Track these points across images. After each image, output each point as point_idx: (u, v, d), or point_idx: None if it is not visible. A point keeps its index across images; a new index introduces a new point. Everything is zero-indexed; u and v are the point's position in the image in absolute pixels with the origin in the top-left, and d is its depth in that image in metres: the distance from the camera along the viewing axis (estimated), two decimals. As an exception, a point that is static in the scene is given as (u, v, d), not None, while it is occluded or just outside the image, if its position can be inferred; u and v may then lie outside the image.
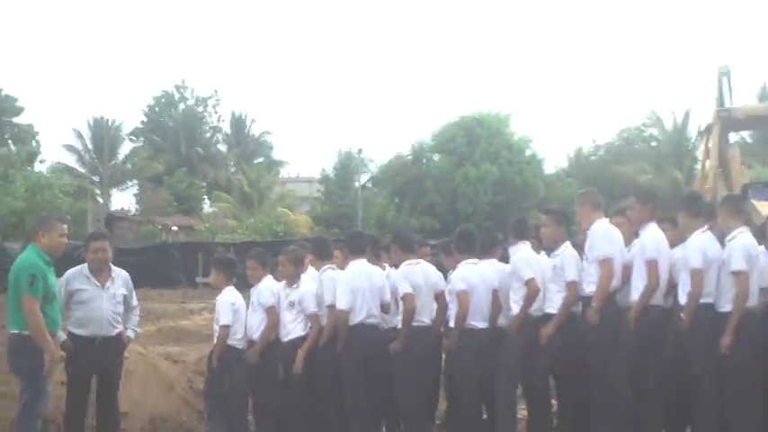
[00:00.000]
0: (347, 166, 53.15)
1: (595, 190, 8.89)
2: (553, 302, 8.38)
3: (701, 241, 7.90)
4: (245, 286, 9.32)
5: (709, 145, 15.02)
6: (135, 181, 58.81)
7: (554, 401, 8.75)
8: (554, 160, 50.09)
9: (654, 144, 48.94)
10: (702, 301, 7.72)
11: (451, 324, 8.67)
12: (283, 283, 9.15)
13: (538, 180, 42.75)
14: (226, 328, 9.01)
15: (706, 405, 7.72)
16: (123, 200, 60.82)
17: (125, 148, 61.18)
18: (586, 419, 8.23)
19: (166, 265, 31.47)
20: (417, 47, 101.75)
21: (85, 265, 8.45)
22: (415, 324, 8.53)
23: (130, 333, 8.70)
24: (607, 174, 41.44)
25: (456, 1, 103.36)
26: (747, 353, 7.58)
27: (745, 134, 39.28)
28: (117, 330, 8.46)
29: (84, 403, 8.35)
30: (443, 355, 9.15)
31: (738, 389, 7.58)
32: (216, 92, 66.31)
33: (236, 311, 9.11)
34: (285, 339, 8.93)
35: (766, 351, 7.66)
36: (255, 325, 9.06)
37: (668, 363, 8.02)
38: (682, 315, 7.85)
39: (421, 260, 8.92)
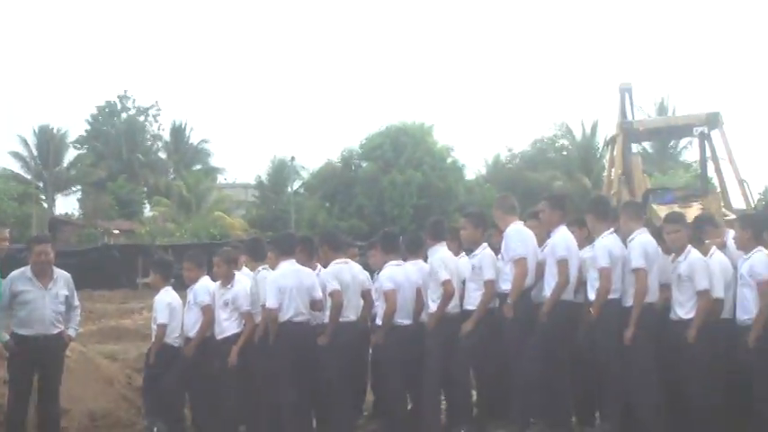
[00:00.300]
0: (280, 173, 52.92)
1: (511, 195, 8.95)
2: (472, 300, 8.40)
3: (607, 242, 7.99)
4: (183, 286, 9.17)
5: (614, 154, 15.23)
6: (78, 186, 57.70)
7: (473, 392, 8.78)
8: (474, 167, 50.62)
9: (565, 153, 49.64)
10: (610, 296, 7.81)
11: (378, 321, 8.65)
12: (218, 282, 9.03)
13: (459, 185, 43.15)
14: (163, 326, 8.87)
15: (612, 392, 7.82)
16: (67, 205, 59.32)
17: (69, 155, 60.00)
18: (505, 408, 8.28)
19: (108, 267, 30.92)
20: (345, 59, 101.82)
21: (29, 267, 8.23)
22: (341, 320, 8.49)
23: (71, 332, 8.49)
24: (522, 180, 41.92)
25: (381, 15, 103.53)
26: (647, 344, 7.69)
27: (647, 145, 40.06)
28: (58, 330, 8.25)
29: (26, 401, 8.11)
30: (370, 350, 9.11)
31: (640, 377, 7.68)
32: (157, 102, 65.64)
33: (173, 311, 8.97)
34: (220, 337, 8.79)
35: (664, 343, 7.78)
36: (192, 323, 8.93)
37: (578, 353, 8.11)
38: (591, 309, 7.93)
39: (349, 260, 8.89)
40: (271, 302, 8.34)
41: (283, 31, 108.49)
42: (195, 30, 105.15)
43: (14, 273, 8.20)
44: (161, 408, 8.79)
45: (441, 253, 8.58)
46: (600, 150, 44.08)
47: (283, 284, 8.39)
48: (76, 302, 8.62)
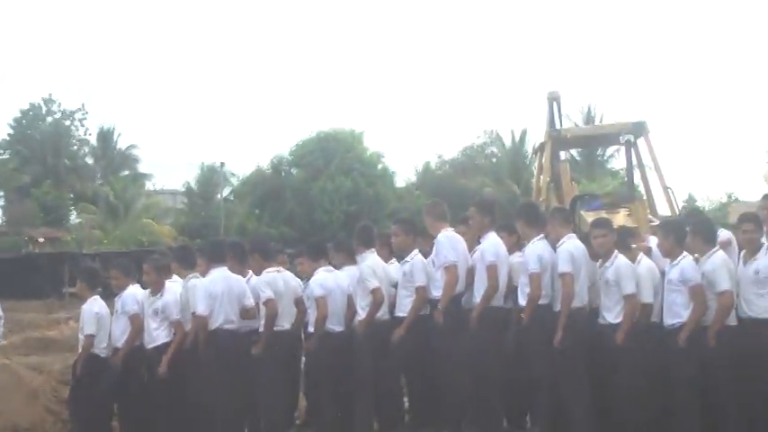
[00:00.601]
0: (209, 179, 52.36)
1: (441, 202, 9.00)
2: (403, 306, 8.43)
3: (537, 247, 8.10)
4: (111, 295, 9.00)
5: (543, 162, 15.39)
6: (1, 192, 56.17)
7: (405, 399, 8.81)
8: (404, 174, 50.73)
9: (494, 160, 50.14)
10: (540, 302, 7.91)
11: (311, 328, 8.61)
12: (147, 291, 8.89)
13: (389, 192, 43.27)
14: (90, 337, 8.70)
15: (544, 394, 7.91)
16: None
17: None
18: (436, 414, 8.31)
19: (33, 276, 30.23)
20: (276, 65, 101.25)
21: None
22: (276, 328, 8.44)
23: None
24: (452, 187, 42.17)
25: (311, 21, 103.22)
26: (577, 348, 7.81)
27: (575, 152, 40.69)
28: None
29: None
30: (303, 358, 9.07)
31: (571, 380, 7.79)
32: (83, 105, 64.14)
33: (101, 320, 8.81)
34: (149, 346, 8.66)
35: (593, 346, 7.91)
36: (120, 333, 8.78)
37: (509, 358, 8.19)
38: (522, 315, 8.02)
39: (281, 268, 8.85)
40: (201, 309, 8.25)
41: (213, 36, 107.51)
42: (123, 33, 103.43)
43: None
44: (88, 421, 8.61)
45: (370, 260, 8.60)
46: (529, 157, 44.63)
47: (214, 291, 8.30)
48: (0, 313, 8.40)
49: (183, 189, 55.73)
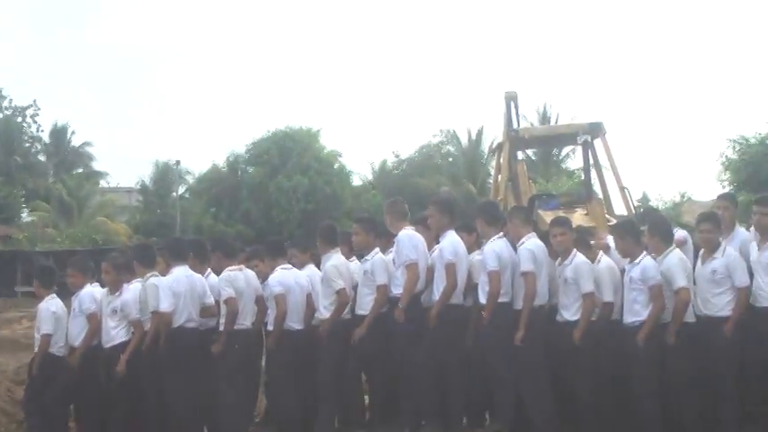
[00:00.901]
0: (165, 177, 51.84)
1: (402, 200, 9.01)
2: (364, 304, 8.45)
3: (496, 246, 8.15)
4: (67, 294, 8.89)
5: (501, 161, 15.53)
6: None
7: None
8: (360, 173, 50.64)
9: (451, 159, 50.26)
10: (500, 300, 7.97)
11: (270, 327, 8.60)
12: (106, 289, 8.80)
13: (346, 191, 43.20)
14: (47, 336, 8.61)
15: (504, 392, 7.98)
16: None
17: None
18: (396, 412, 8.34)
19: (-16, 274, 29.75)
20: (232, 62, 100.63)
21: None
22: (237, 327, 8.42)
23: None
24: (409, 186, 42.22)
25: (270, 19, 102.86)
26: (537, 346, 7.89)
27: (530, 152, 41.01)
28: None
29: None
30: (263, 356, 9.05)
31: (530, 378, 7.87)
32: (35, 101, 63.14)
33: (58, 320, 8.73)
34: (107, 345, 8.58)
35: (550, 343, 8.00)
36: (77, 332, 8.70)
37: (468, 356, 8.24)
38: (482, 312, 8.07)
39: (243, 266, 8.81)
40: (165, 306, 8.20)
41: (168, 32, 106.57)
42: (76, 28, 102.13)
43: None
44: (44, 422, 8.51)
45: (334, 260, 8.60)
46: (485, 157, 44.86)
47: (177, 289, 8.26)
48: None
49: (137, 187, 55.18)
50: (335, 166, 44.21)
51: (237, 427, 8.49)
